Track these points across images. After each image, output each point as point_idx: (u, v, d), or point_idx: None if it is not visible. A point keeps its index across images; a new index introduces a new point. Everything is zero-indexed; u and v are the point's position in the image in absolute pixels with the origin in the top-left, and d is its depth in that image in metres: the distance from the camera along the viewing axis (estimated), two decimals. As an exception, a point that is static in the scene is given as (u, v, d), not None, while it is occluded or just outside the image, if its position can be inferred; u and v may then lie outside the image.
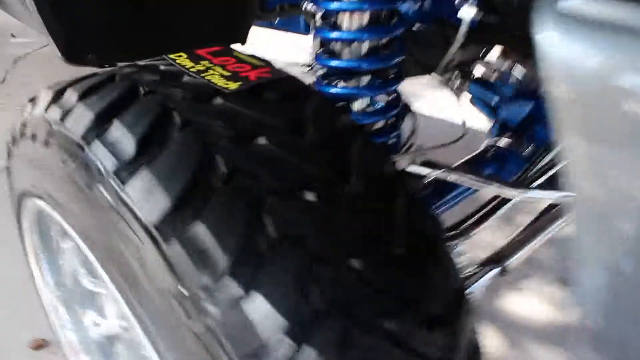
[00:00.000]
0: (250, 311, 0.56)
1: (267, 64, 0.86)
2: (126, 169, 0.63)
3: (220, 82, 0.77)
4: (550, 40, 0.39)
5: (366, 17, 1.00)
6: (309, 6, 1.10)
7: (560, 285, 1.87)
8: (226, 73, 0.80)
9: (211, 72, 0.80)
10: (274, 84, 0.79)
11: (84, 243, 0.73)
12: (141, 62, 0.87)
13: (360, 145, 0.75)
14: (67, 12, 1.19)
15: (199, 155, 0.64)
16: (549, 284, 1.87)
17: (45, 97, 0.83)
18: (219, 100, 0.73)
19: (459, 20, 1.01)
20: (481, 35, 1.03)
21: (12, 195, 1.04)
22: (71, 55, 1.25)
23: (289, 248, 0.60)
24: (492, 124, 1.60)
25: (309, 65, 1.10)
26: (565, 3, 0.40)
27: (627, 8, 0.37)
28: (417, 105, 1.27)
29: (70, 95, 0.75)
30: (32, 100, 0.90)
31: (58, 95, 0.79)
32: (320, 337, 0.58)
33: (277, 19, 1.59)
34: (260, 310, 0.56)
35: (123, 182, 0.63)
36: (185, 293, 0.58)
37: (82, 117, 0.70)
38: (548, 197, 1.17)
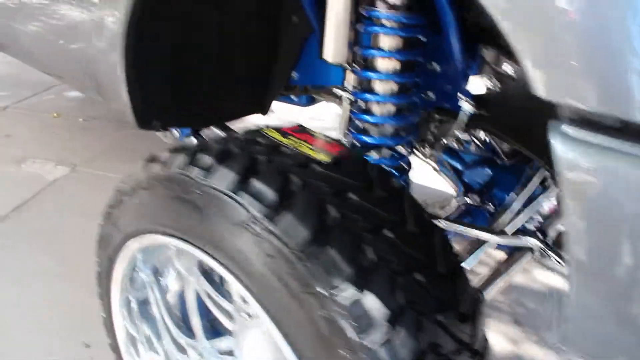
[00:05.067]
0: (365, 303, 0.89)
1: (333, 139, 1.21)
2: (272, 211, 0.95)
3: (311, 153, 1.10)
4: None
5: (393, 106, 1.37)
6: (343, 94, 1.46)
7: (516, 325, 2.26)
8: (312, 147, 1.13)
9: (301, 146, 1.13)
10: (346, 157, 1.13)
11: (221, 265, 1.03)
12: (241, 134, 1.20)
13: (408, 199, 1.10)
14: (145, 91, 1.51)
15: (318, 205, 0.97)
16: (506, 324, 2.25)
17: (173, 159, 1.13)
18: (317, 168, 1.06)
19: (457, 109, 1.39)
20: (471, 122, 1.41)
21: (115, 236, 1.31)
22: (141, 121, 1.56)
23: (382, 267, 0.93)
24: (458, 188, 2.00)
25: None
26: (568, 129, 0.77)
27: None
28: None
29: (207, 159, 1.06)
30: (152, 160, 1.20)
31: (193, 157, 1.09)
32: (406, 324, 0.91)
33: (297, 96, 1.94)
34: (371, 303, 0.89)
35: (271, 220, 0.94)
36: (323, 292, 0.90)
37: (225, 175, 1.02)
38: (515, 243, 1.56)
